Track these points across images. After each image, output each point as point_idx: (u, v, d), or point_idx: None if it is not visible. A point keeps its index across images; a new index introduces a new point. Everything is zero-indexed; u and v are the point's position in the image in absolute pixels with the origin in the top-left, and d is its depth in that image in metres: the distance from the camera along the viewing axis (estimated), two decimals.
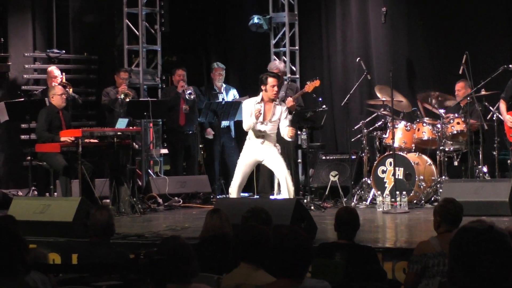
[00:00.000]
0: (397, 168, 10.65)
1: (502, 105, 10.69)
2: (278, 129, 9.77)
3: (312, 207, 10.36)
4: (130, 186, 10.48)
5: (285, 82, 11.93)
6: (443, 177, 10.73)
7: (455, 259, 2.59)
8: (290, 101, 10.79)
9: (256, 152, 9.67)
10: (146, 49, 13.20)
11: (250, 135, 9.75)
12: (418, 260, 5.42)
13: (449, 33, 12.14)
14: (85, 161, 10.28)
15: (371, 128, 11.48)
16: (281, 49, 13.44)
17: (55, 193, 10.83)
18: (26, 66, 12.87)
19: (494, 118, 10.64)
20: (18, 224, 6.14)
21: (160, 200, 11.42)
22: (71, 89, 11.78)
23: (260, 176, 11.11)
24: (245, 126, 9.76)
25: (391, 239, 8.61)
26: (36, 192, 11.42)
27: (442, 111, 10.96)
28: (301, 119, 10.87)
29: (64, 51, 13.19)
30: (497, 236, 2.57)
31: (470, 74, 10.51)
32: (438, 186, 10.67)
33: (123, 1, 13.00)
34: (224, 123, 12.36)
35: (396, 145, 10.84)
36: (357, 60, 11.44)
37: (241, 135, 10.14)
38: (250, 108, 9.67)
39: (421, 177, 10.72)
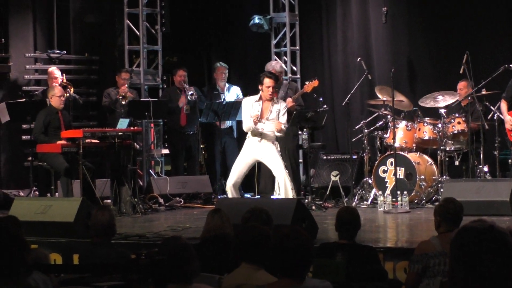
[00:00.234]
0: (398, 168, 10.65)
1: (503, 105, 10.69)
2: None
3: (313, 207, 10.37)
4: (131, 186, 10.48)
5: (285, 82, 11.93)
6: (444, 176, 10.74)
7: (456, 258, 2.59)
8: (289, 101, 10.80)
9: (255, 150, 9.73)
10: (146, 49, 13.21)
11: (249, 133, 9.85)
12: (419, 259, 5.42)
13: (450, 33, 12.14)
14: (85, 162, 10.28)
15: (372, 128, 11.48)
16: (281, 49, 13.44)
17: (56, 194, 10.83)
18: (27, 66, 12.87)
19: (495, 118, 10.64)
20: (21, 225, 6.16)
21: (161, 200, 11.42)
22: (72, 90, 11.79)
23: (262, 177, 11.11)
24: (244, 127, 9.88)
25: (392, 239, 8.61)
26: (37, 193, 11.43)
27: (443, 110, 10.96)
28: (302, 119, 10.87)
29: (65, 52, 13.19)
30: (498, 236, 2.57)
31: (471, 74, 10.51)
32: (439, 185, 10.67)
33: (123, 1, 13.00)
34: (227, 123, 12.37)
35: (397, 144, 10.84)
36: (357, 60, 11.45)
37: (243, 136, 10.16)
38: (249, 108, 9.74)
39: (422, 177, 10.72)
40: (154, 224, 9.72)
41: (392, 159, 10.74)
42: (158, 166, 12.87)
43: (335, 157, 12.00)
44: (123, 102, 11.66)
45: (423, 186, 10.73)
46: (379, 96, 11.35)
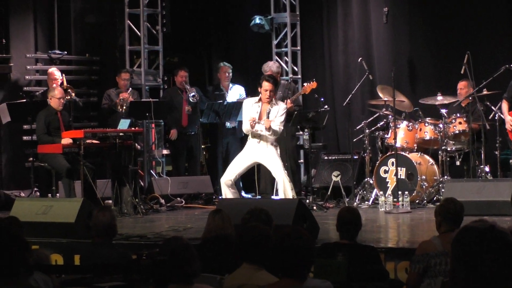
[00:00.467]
0: (399, 168, 10.65)
1: (504, 105, 10.68)
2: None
3: (314, 207, 10.37)
4: (132, 186, 10.48)
5: (284, 82, 11.89)
6: (445, 177, 10.73)
7: (457, 258, 2.59)
8: (287, 103, 10.80)
9: (255, 152, 9.74)
10: (147, 49, 13.21)
11: (249, 135, 9.86)
12: (420, 259, 5.42)
13: (451, 33, 12.14)
14: (86, 162, 10.28)
15: (373, 128, 11.48)
16: (282, 49, 13.44)
17: (57, 194, 10.84)
18: (28, 67, 12.87)
19: (496, 118, 10.64)
20: (22, 225, 6.16)
21: (162, 201, 11.41)
22: (74, 93, 11.78)
23: (261, 177, 11.12)
24: (243, 129, 9.93)
25: (393, 239, 8.61)
26: (38, 193, 11.43)
27: (444, 111, 10.96)
28: (303, 120, 10.88)
29: (65, 52, 13.19)
30: (499, 236, 2.57)
31: (472, 74, 10.50)
32: (440, 186, 10.67)
33: (124, 2, 13.01)
34: (231, 124, 12.36)
35: (398, 145, 10.83)
36: (358, 60, 11.44)
37: (246, 136, 10.17)
38: (249, 109, 9.76)
39: (423, 177, 10.72)
40: (155, 225, 9.72)
41: (393, 159, 10.73)
42: (159, 167, 12.87)
43: (336, 157, 12.00)
44: (120, 109, 11.67)
45: (424, 186, 10.72)
46: (381, 95, 11.35)
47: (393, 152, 10.82)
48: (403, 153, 10.88)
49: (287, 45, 13.35)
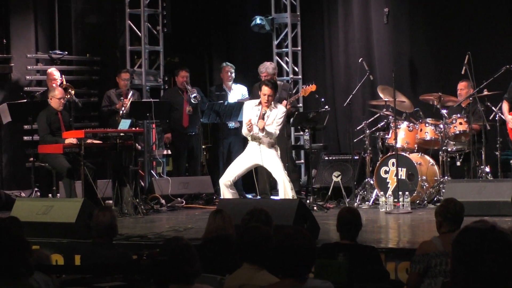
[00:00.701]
0: (399, 169, 10.65)
1: (505, 105, 10.69)
2: (279, 131, 9.84)
3: (315, 208, 10.37)
4: (132, 187, 10.48)
5: (281, 83, 11.85)
6: (446, 177, 10.73)
7: (457, 259, 2.59)
8: (285, 104, 10.80)
9: (255, 154, 9.75)
10: (148, 50, 13.22)
11: (249, 137, 9.86)
12: (420, 260, 5.42)
13: (451, 33, 12.14)
14: (87, 162, 10.28)
15: (373, 129, 11.48)
16: (283, 49, 13.44)
17: (58, 194, 10.84)
18: (29, 67, 12.87)
19: (496, 119, 10.64)
20: (22, 225, 6.16)
21: (162, 201, 11.42)
22: (73, 92, 11.78)
23: (260, 178, 11.11)
24: (243, 131, 9.97)
25: (394, 240, 8.60)
26: (38, 193, 11.42)
27: (444, 111, 10.96)
28: (303, 120, 10.88)
29: (66, 52, 13.19)
30: (500, 236, 2.57)
31: (473, 75, 10.50)
32: (440, 186, 10.67)
33: (125, 2, 13.02)
34: (234, 124, 12.35)
35: (398, 145, 10.83)
36: (359, 61, 11.44)
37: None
38: (249, 112, 9.78)
39: (424, 178, 10.71)
40: (156, 225, 9.72)
41: (393, 160, 10.73)
42: (160, 167, 12.87)
43: (337, 157, 12.00)
44: (117, 117, 11.68)
45: (424, 187, 10.72)
46: (381, 96, 11.35)
47: (393, 153, 10.82)
48: (404, 154, 10.88)
49: (287, 46, 13.35)
